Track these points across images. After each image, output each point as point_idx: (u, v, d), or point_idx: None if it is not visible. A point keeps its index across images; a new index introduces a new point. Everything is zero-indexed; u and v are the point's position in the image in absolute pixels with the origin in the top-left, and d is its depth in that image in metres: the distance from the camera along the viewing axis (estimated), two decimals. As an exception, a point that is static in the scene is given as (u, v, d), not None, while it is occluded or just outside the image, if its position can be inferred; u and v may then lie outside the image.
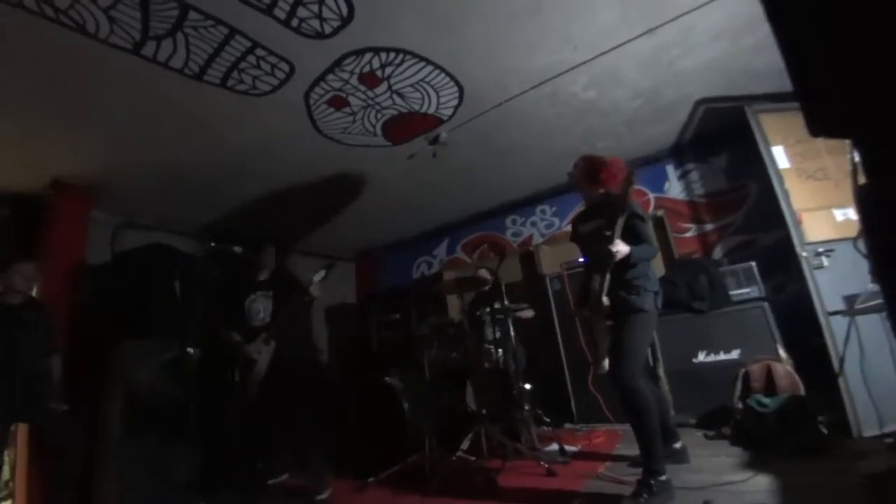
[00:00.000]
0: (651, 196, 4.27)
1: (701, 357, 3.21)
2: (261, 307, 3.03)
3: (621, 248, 2.09)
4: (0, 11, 1.92)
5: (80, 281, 3.39)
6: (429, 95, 2.94)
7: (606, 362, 2.26)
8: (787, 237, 2.87)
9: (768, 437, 2.45)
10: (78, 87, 2.47)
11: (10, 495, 2.96)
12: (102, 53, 2.23)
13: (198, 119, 2.89)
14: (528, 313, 3.59)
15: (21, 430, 2.99)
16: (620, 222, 2.08)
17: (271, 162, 3.53)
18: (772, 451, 2.34)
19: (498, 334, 3.29)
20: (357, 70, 2.62)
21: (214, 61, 2.40)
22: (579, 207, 4.57)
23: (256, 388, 2.85)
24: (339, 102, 2.90)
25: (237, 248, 2.87)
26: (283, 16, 2.17)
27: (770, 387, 2.80)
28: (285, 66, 2.51)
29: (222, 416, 3.27)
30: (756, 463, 2.24)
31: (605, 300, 2.20)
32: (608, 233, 2.10)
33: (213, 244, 2.87)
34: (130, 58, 2.28)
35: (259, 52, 2.38)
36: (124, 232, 4.05)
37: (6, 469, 2.79)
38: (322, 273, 2.92)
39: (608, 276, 2.17)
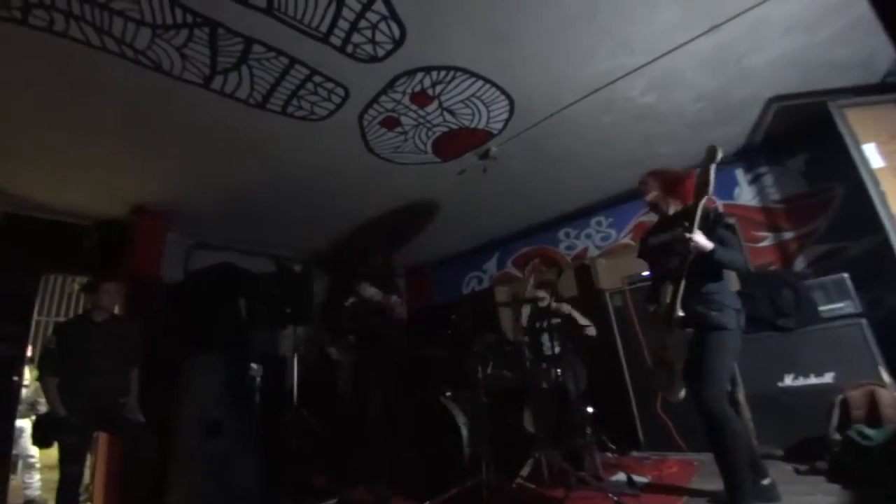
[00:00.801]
0: (720, 203, 3.96)
1: (788, 381, 2.89)
2: (353, 310, 3.05)
3: (699, 238, 1.88)
4: (86, 54, 2.12)
5: (157, 299, 3.65)
6: (479, 110, 2.93)
7: (683, 392, 2.07)
8: (885, 244, 2.56)
9: (875, 474, 2.14)
10: (156, 120, 2.69)
11: (90, 499, 3.18)
12: (177, 89, 2.41)
13: (261, 145, 3.05)
14: (592, 331, 3.42)
15: (102, 438, 3.23)
16: (701, 204, 1.88)
17: (328, 183, 3.67)
18: (879, 491, 2.04)
19: (557, 351, 3.15)
20: (409, 90, 2.66)
21: (276, 90, 2.54)
22: (640, 216, 4.41)
23: (348, 388, 2.88)
24: (391, 123, 2.96)
25: (297, 267, 2.97)
26: (338, 43, 2.25)
27: (874, 416, 2.46)
28: (341, 91, 2.60)
29: (284, 428, 3.37)
30: (861, 505, 1.95)
31: (680, 311, 1.99)
32: (686, 223, 1.92)
33: (276, 263, 3.00)
34: (201, 91, 2.46)
35: (317, 78, 2.48)
36: (197, 252, 4.35)
37: (86, 473, 3.01)
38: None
39: (682, 283, 1.96)
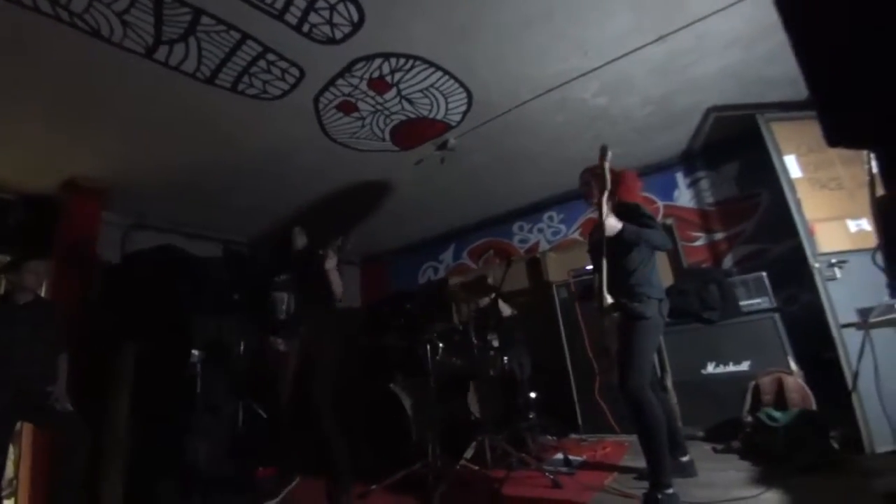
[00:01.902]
0: (660, 204, 4.23)
1: (710, 368, 3.16)
2: (284, 298, 2.88)
3: (610, 220, 2.12)
4: (17, 14, 1.95)
5: (91, 280, 3.42)
6: (437, 101, 2.95)
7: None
8: (799, 247, 2.82)
9: (779, 452, 2.40)
10: (92, 90, 2.50)
11: (14, 493, 2.98)
12: (116, 57, 2.26)
13: (209, 122, 2.91)
14: (506, 311, 3.55)
15: (26, 429, 3.02)
16: (605, 196, 2.13)
17: (281, 166, 3.55)
18: (783, 466, 2.28)
19: (503, 341, 3.26)
20: (366, 75, 2.63)
21: (226, 66, 2.43)
22: (589, 213, 4.60)
23: (289, 387, 2.72)
24: (348, 107, 2.91)
25: (244, 250, 2.85)
26: (294, 21, 2.19)
27: (781, 400, 2.75)
28: (296, 71, 2.53)
29: (229, 417, 3.28)
30: (766, 479, 2.18)
31: (608, 297, 2.15)
32: (600, 213, 2.15)
33: (222, 245, 2.86)
34: (143, 61, 2.31)
35: (270, 56, 2.40)
36: (136, 233, 4.10)
37: (10, 467, 2.81)
38: (338, 242, 2.68)
39: (604, 268, 2.14)
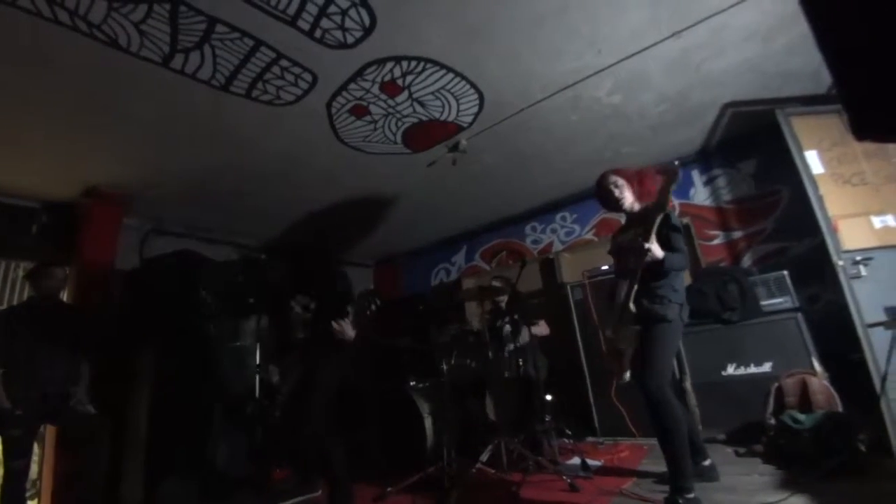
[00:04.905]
0: (676, 202, 4.16)
1: (730, 370, 3.09)
2: (297, 321, 2.74)
3: (655, 248, 2.01)
4: (37, 27, 2.00)
5: (111, 285, 3.49)
6: (449, 103, 2.94)
7: (628, 373, 2.20)
8: (822, 245, 2.74)
9: (804, 455, 2.33)
10: (111, 98, 2.55)
11: (37, 494, 3.05)
12: (134, 66, 2.30)
13: (224, 128, 2.95)
14: (543, 330, 3.50)
15: (49, 431, 3.09)
16: (658, 220, 1.98)
17: (295, 170, 3.59)
18: (808, 470, 2.22)
19: (518, 343, 3.24)
20: (378, 79, 2.64)
21: (240, 72, 2.46)
22: (603, 212, 4.55)
23: (282, 405, 2.58)
24: (360, 111, 2.92)
25: (262, 256, 2.86)
26: (306, 27, 2.20)
27: (805, 402, 2.68)
28: (308, 77, 2.55)
29: (245, 419, 3.31)
30: (791, 483, 2.13)
31: (632, 307, 2.12)
32: (643, 233, 2.03)
33: (239, 252, 2.86)
34: (160, 70, 2.35)
35: (283, 62, 2.42)
36: (154, 238, 4.18)
37: (34, 468, 2.88)
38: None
39: (636, 281, 2.09)
